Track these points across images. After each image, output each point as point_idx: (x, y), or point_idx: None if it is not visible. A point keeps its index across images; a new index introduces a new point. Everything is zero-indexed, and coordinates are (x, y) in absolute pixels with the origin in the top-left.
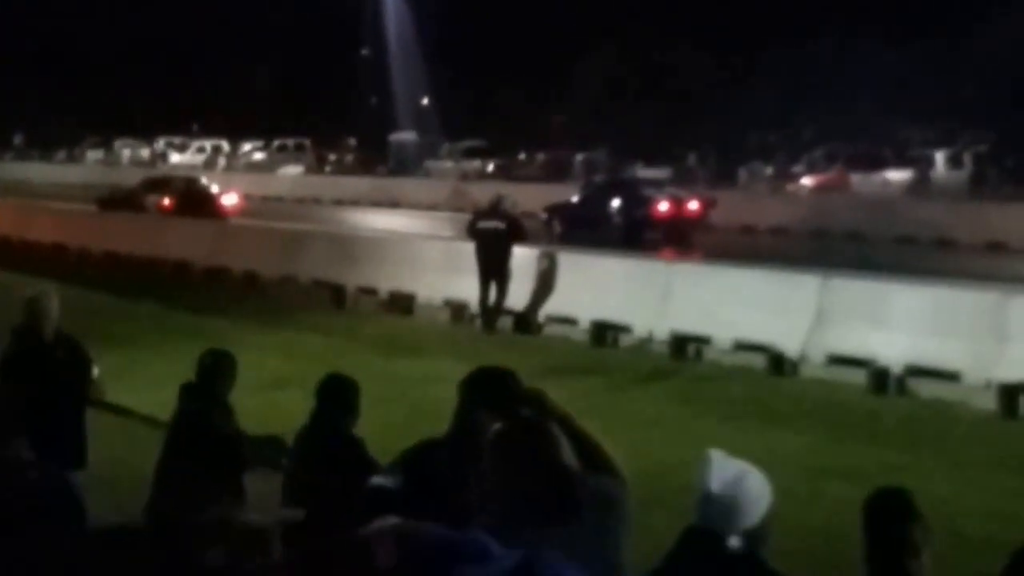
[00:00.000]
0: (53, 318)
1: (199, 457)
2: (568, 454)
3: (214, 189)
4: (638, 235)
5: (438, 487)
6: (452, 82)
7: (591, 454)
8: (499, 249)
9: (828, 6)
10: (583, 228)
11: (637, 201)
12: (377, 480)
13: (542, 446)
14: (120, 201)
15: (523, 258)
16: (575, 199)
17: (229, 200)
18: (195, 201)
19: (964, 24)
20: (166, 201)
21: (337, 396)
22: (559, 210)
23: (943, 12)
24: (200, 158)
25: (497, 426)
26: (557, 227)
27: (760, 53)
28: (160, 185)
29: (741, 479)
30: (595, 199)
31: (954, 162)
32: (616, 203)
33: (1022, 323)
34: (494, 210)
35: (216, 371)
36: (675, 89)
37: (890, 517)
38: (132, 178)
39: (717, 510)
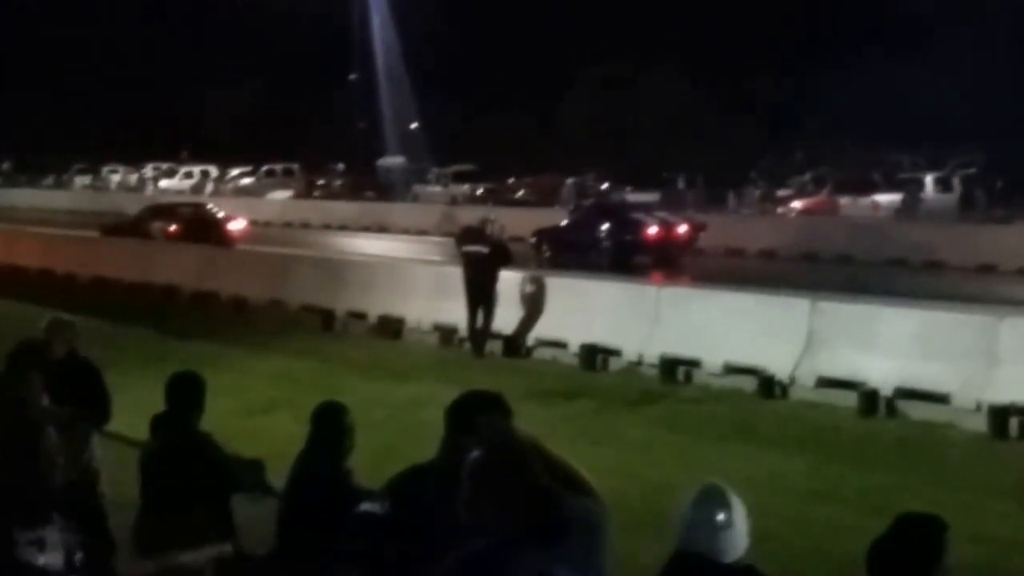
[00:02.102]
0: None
1: (186, 487)
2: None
3: (220, 215)
4: (627, 259)
5: (426, 513)
6: (441, 107)
7: (567, 477)
8: (484, 273)
9: (817, 31)
10: (572, 252)
11: (626, 225)
12: (365, 506)
13: (523, 470)
14: (124, 228)
15: (512, 282)
16: (564, 223)
17: (236, 226)
18: (201, 227)
19: (951, 47)
20: (172, 228)
21: (326, 424)
22: (548, 234)
23: (930, 35)
24: (188, 183)
25: (475, 453)
26: (546, 251)
27: (749, 79)
28: (165, 212)
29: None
30: (584, 223)
31: (943, 185)
32: (605, 227)
33: (1012, 345)
34: (479, 234)
35: (187, 396)
36: (665, 114)
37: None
38: (120, 204)
39: (703, 537)
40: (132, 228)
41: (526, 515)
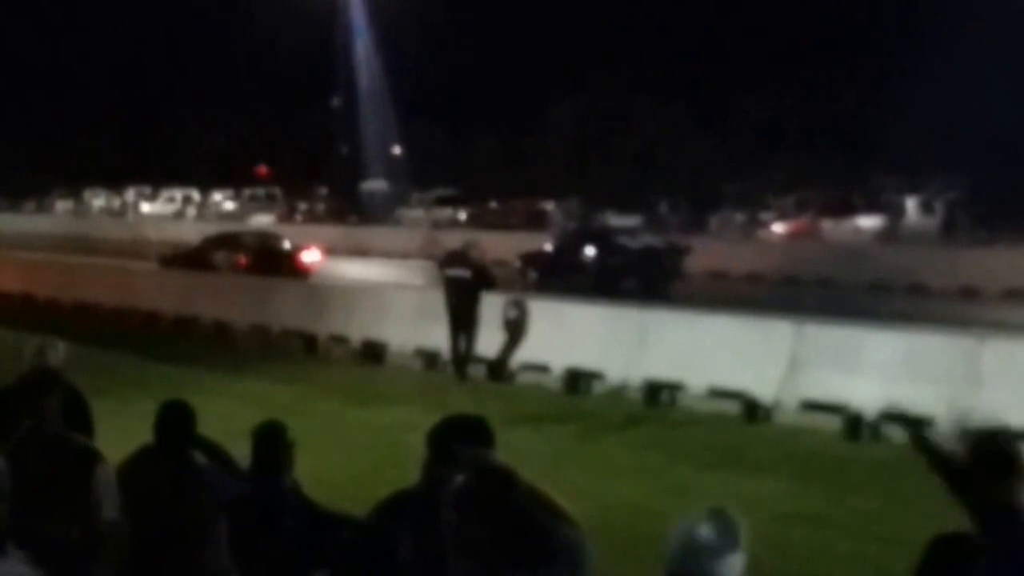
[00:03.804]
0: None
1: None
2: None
3: (287, 244)
4: (614, 283)
5: (412, 537)
6: (423, 131)
7: (546, 506)
8: (467, 297)
9: (800, 54)
10: (558, 276)
11: (612, 249)
12: (349, 532)
13: (508, 494)
14: (184, 259)
15: (495, 306)
16: (549, 247)
17: (310, 257)
18: (271, 259)
19: (936, 71)
20: (241, 259)
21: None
22: (534, 258)
23: (913, 59)
24: (170, 208)
25: (459, 478)
26: (532, 275)
27: (731, 102)
28: (229, 242)
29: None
30: (570, 247)
31: (926, 208)
32: (591, 251)
33: (995, 368)
34: (461, 258)
35: (183, 424)
36: (646, 138)
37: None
38: (102, 228)
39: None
40: (194, 259)
41: (512, 539)
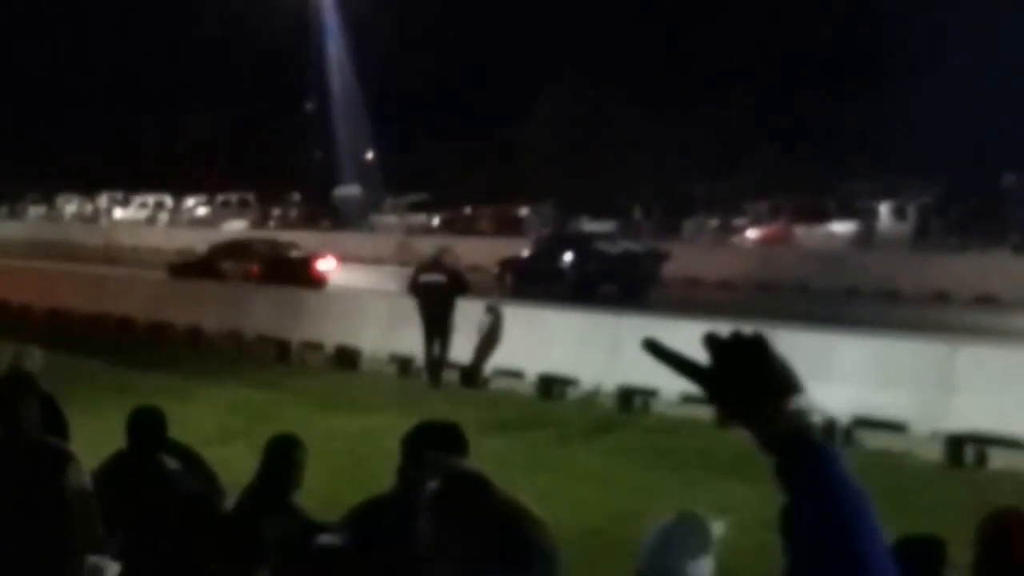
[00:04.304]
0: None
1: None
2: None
3: (301, 253)
4: (592, 289)
5: (385, 544)
6: (397, 137)
7: (517, 509)
8: (441, 303)
9: (772, 60)
10: (536, 282)
11: (591, 255)
12: (325, 539)
13: (486, 496)
14: (193, 267)
15: (469, 311)
16: (527, 253)
17: (326, 265)
18: (285, 268)
19: (908, 76)
20: (252, 269)
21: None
22: (511, 264)
23: (885, 64)
24: (143, 213)
25: (433, 484)
26: (510, 281)
27: (703, 107)
28: (239, 250)
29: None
30: (548, 253)
31: (899, 214)
32: (569, 257)
33: (968, 374)
34: (435, 264)
35: (149, 432)
36: (620, 143)
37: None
38: (75, 234)
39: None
40: (202, 268)
41: (491, 541)
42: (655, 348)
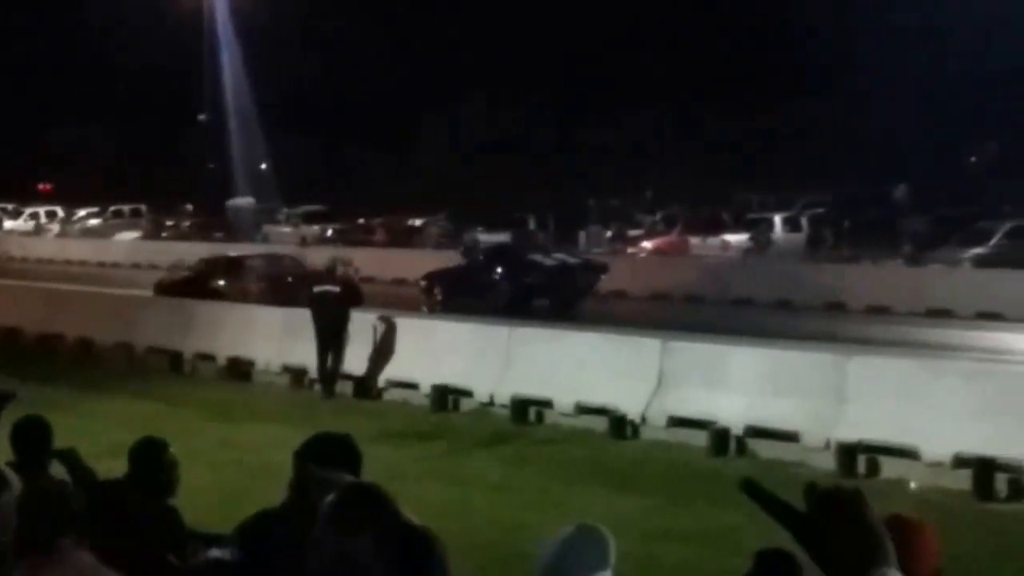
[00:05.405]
0: None
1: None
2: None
3: (301, 270)
4: (526, 302)
5: (276, 558)
6: (291, 147)
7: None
8: (335, 313)
9: (672, 74)
10: (467, 295)
11: (526, 266)
12: (214, 553)
13: (384, 509)
14: (181, 285)
15: (362, 322)
16: (454, 265)
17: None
18: (285, 287)
19: (803, 91)
20: (251, 288)
21: (144, 460)
22: (440, 277)
23: (780, 79)
24: (32, 224)
25: (330, 497)
26: (438, 294)
27: (601, 118)
28: (233, 267)
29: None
30: (479, 265)
31: (792, 225)
32: (501, 269)
33: (859, 384)
34: (329, 274)
35: (35, 443)
36: (515, 153)
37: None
38: None
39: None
40: (192, 287)
41: (394, 553)
42: (754, 491)
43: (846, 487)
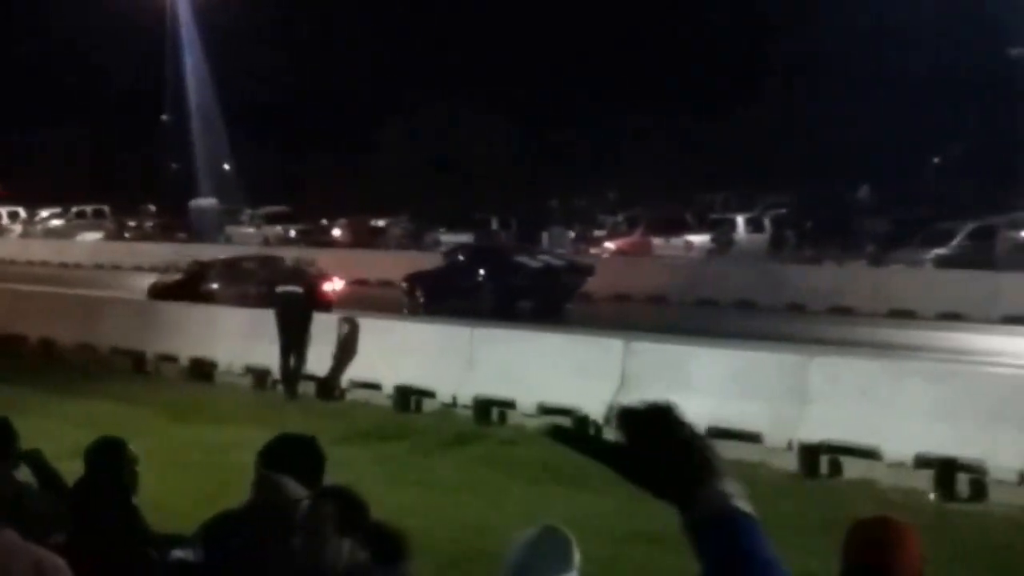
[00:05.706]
0: None
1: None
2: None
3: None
4: (510, 303)
5: (239, 559)
6: (254, 148)
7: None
8: (298, 314)
9: (635, 74)
10: (450, 297)
11: (510, 268)
12: (177, 554)
13: (361, 510)
14: (174, 289)
15: (325, 323)
16: (435, 267)
17: (332, 287)
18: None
19: (766, 91)
20: (250, 291)
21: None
22: (422, 278)
23: (743, 79)
24: None
25: (305, 501)
26: (420, 296)
27: (564, 120)
28: (229, 269)
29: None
30: (462, 267)
31: (754, 225)
32: (485, 271)
33: (821, 385)
34: (292, 274)
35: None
36: (478, 154)
37: None
38: None
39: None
40: (185, 290)
41: (369, 548)
42: (563, 435)
43: (657, 403)
